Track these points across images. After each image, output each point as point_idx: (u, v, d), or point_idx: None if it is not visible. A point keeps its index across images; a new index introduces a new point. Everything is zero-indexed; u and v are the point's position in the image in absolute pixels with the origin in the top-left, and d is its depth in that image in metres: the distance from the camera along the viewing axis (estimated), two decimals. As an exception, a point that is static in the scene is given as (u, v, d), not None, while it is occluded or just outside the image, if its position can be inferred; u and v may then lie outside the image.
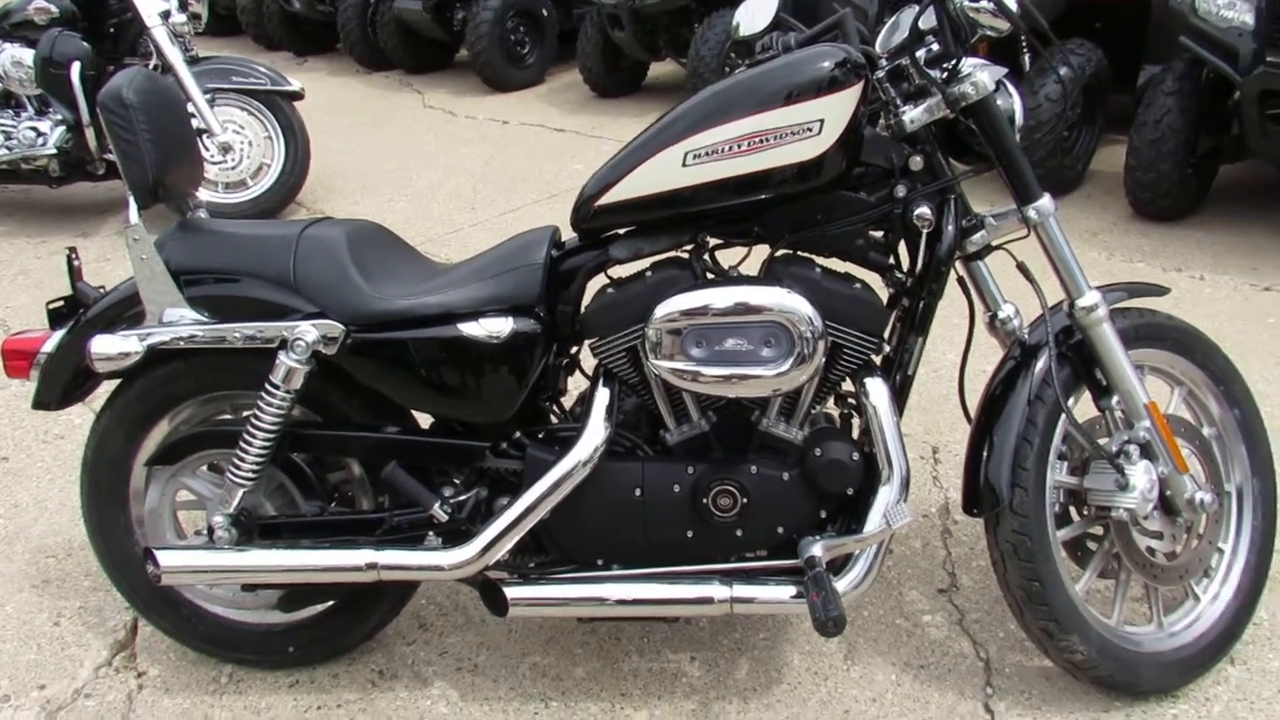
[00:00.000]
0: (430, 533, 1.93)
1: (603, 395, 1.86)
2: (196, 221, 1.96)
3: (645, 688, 2.09)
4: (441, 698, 2.09)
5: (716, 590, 1.85)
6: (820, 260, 1.85)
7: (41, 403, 2.00)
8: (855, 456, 1.84)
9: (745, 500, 1.84)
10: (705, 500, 1.84)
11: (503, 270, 1.87)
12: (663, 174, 1.75)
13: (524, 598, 1.88)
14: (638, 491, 1.86)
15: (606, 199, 1.79)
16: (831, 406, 2.05)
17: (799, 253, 1.85)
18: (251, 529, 1.98)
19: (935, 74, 1.77)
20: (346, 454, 2.00)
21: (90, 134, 4.70)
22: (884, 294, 1.90)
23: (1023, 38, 1.83)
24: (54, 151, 4.72)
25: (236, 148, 4.84)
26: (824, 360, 1.76)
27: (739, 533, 1.86)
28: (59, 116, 4.72)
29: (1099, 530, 2.01)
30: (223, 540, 1.96)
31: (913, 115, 1.78)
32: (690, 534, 1.87)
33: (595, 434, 1.83)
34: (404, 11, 7.73)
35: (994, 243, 1.90)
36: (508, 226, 4.79)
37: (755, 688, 2.08)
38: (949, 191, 1.83)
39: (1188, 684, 2.02)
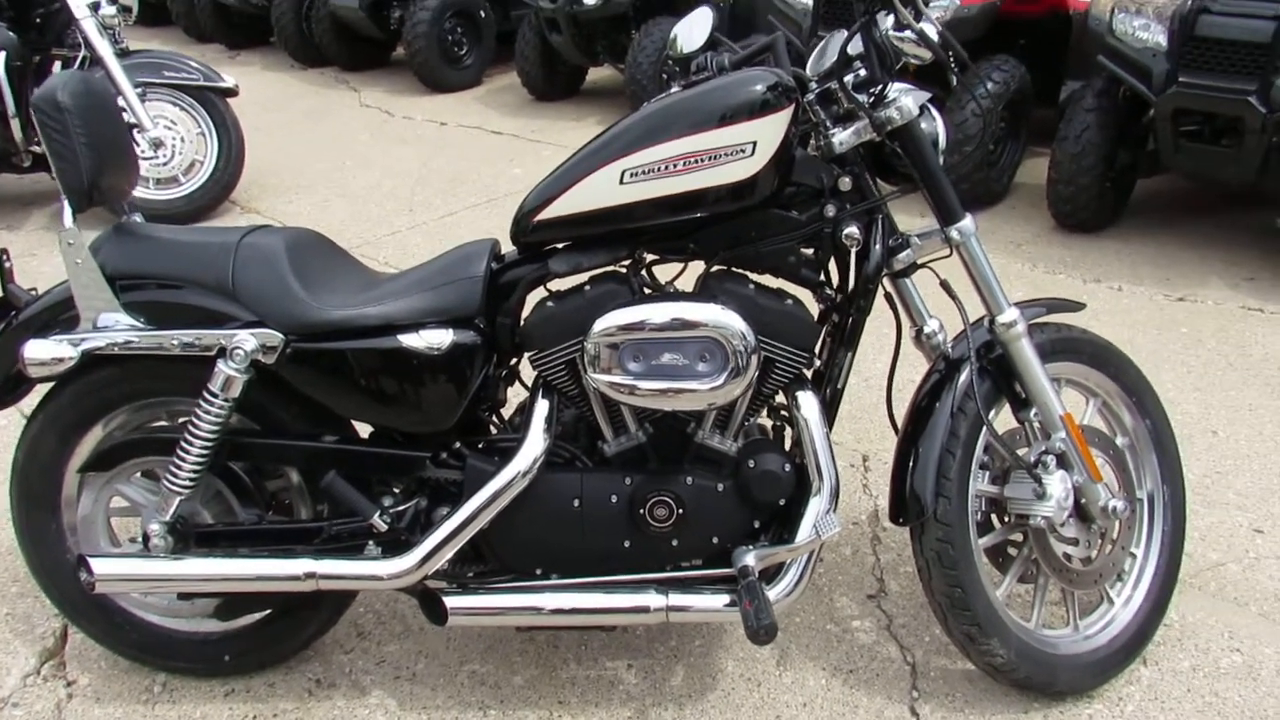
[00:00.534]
0: (369, 542, 1.94)
1: (542, 407, 1.89)
2: (132, 226, 1.95)
3: (583, 695, 2.13)
4: (379, 706, 2.11)
5: (653, 599, 1.90)
6: (754, 277, 1.90)
7: (-32, 406, 1.97)
8: (787, 467, 1.90)
9: (681, 511, 1.88)
10: (642, 510, 1.88)
11: (443, 282, 1.89)
12: (601, 191, 1.79)
13: (463, 607, 1.90)
14: (576, 502, 1.89)
15: (546, 214, 1.83)
16: (764, 418, 2.10)
17: (733, 269, 1.90)
18: (188, 537, 1.97)
19: (863, 98, 1.83)
20: (285, 463, 2.00)
21: (15, 125, 4.60)
22: (815, 309, 1.96)
23: (949, 58, 1.90)
24: (-24, 143, 4.61)
25: (168, 144, 4.78)
26: (757, 374, 1.82)
27: (675, 542, 1.91)
28: (-18, 108, 4.60)
29: (1018, 537, 2.10)
30: (158, 548, 1.95)
31: (841, 138, 1.84)
32: (627, 544, 1.91)
33: (534, 445, 1.86)
34: (339, 8, 7.65)
35: (919, 260, 1.97)
36: (446, 230, 4.79)
37: (690, 694, 2.13)
38: (876, 211, 1.90)
39: (1102, 685, 2.11)
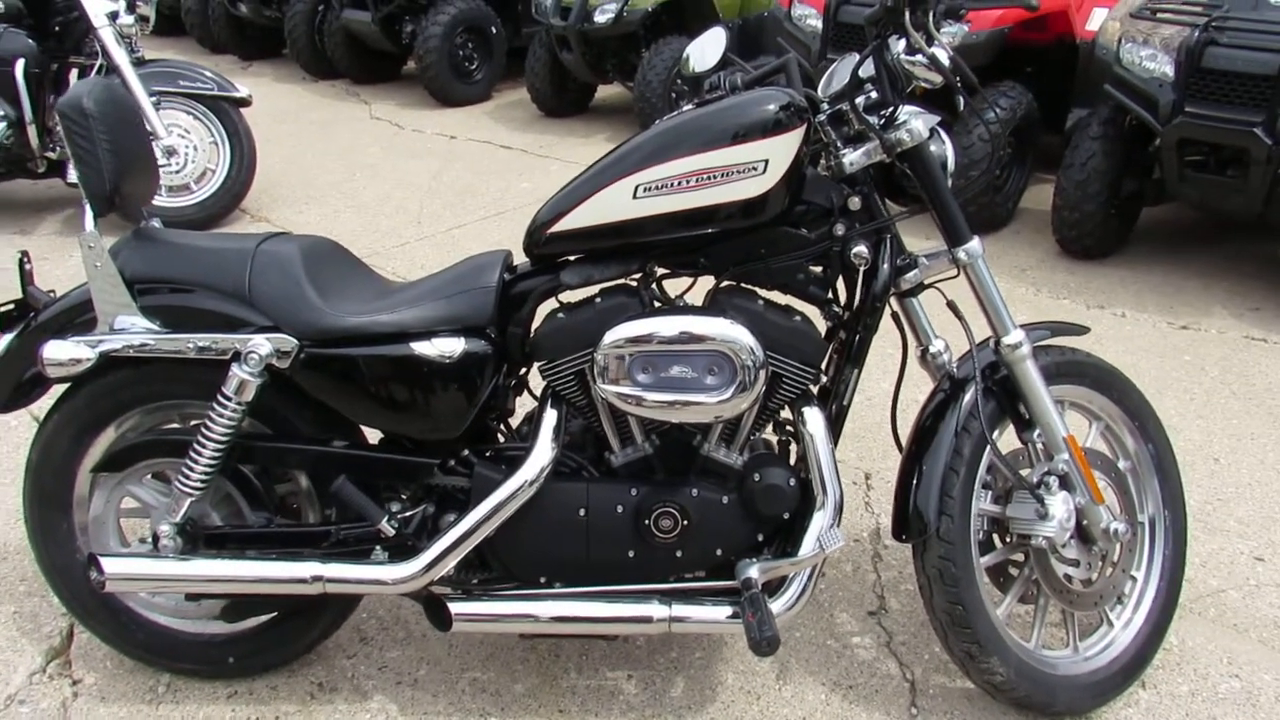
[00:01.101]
0: (376, 547, 1.96)
1: (550, 416, 1.91)
2: (151, 231, 1.98)
3: (583, 704, 2.14)
4: (381, 712, 2.12)
5: (655, 609, 1.92)
6: (762, 293, 1.93)
7: (-12, 405, 1.99)
8: (792, 482, 1.92)
9: (685, 522, 1.90)
10: (647, 521, 1.90)
11: (456, 291, 1.92)
12: (614, 205, 1.82)
13: (468, 613, 1.92)
14: (582, 511, 1.91)
15: (559, 226, 1.85)
16: (770, 433, 2.12)
17: (742, 285, 1.93)
18: (197, 538, 1.99)
19: (873, 120, 1.86)
20: (295, 467, 2.03)
21: (32, 131, 4.65)
22: (822, 326, 1.98)
23: (959, 82, 1.93)
24: (-6, 148, 4.66)
25: (181, 152, 4.82)
26: (764, 389, 1.84)
27: (679, 554, 1.93)
28: (1, 113, 4.64)
29: (1020, 557, 2.11)
30: (168, 549, 1.97)
31: (852, 158, 1.87)
32: (632, 554, 1.93)
33: (542, 454, 1.88)
34: (352, 22, 7.72)
35: (926, 281, 1.99)
36: (454, 242, 4.83)
37: (690, 706, 2.14)
38: (885, 231, 1.92)
39: (1100, 706, 2.12)
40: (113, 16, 4.53)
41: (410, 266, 4.52)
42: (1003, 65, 4.81)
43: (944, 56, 1.80)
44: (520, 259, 1.99)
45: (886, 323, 1.98)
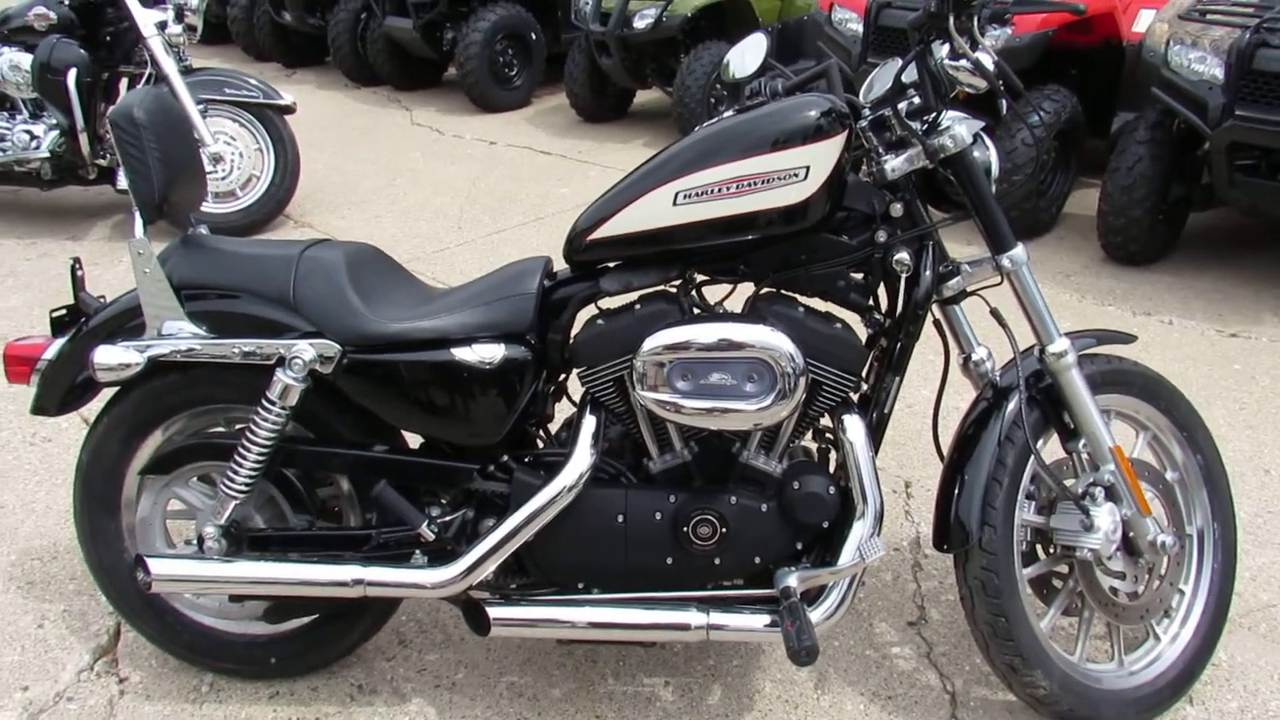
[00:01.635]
0: (416, 551, 1.98)
1: (589, 423, 1.92)
2: (199, 238, 2.01)
3: (620, 710, 2.14)
4: (420, 714, 2.13)
5: (693, 617, 1.91)
6: (803, 300, 1.92)
7: (41, 408, 2.03)
8: (832, 490, 1.90)
9: (724, 530, 1.89)
10: (685, 529, 1.89)
11: (496, 298, 1.93)
12: (654, 212, 1.82)
13: (506, 618, 1.93)
14: (620, 518, 1.91)
15: (599, 233, 1.86)
16: (809, 441, 2.11)
17: (783, 292, 1.92)
18: (241, 540, 2.02)
19: (916, 125, 1.84)
20: (337, 471, 2.05)
21: (84, 139, 4.74)
22: (863, 334, 1.97)
23: (1003, 87, 1.91)
24: (47, 155, 4.76)
25: (227, 159, 4.90)
26: (804, 396, 1.83)
27: (717, 561, 1.92)
28: (53, 121, 4.75)
29: (1064, 569, 2.08)
30: (213, 550, 2.00)
31: (894, 164, 1.86)
32: (670, 561, 1.93)
33: (581, 460, 1.88)
34: (394, 29, 7.80)
35: (969, 288, 1.97)
36: (494, 248, 4.85)
37: (727, 714, 2.13)
38: (927, 238, 1.91)
39: (1146, 721, 2.08)
40: (161, 26, 4.63)
41: (450, 271, 4.55)
42: (1047, 68, 4.76)
43: (989, 61, 1.78)
44: (560, 265, 2.00)
45: (927, 329, 1.96)
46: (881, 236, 1.88)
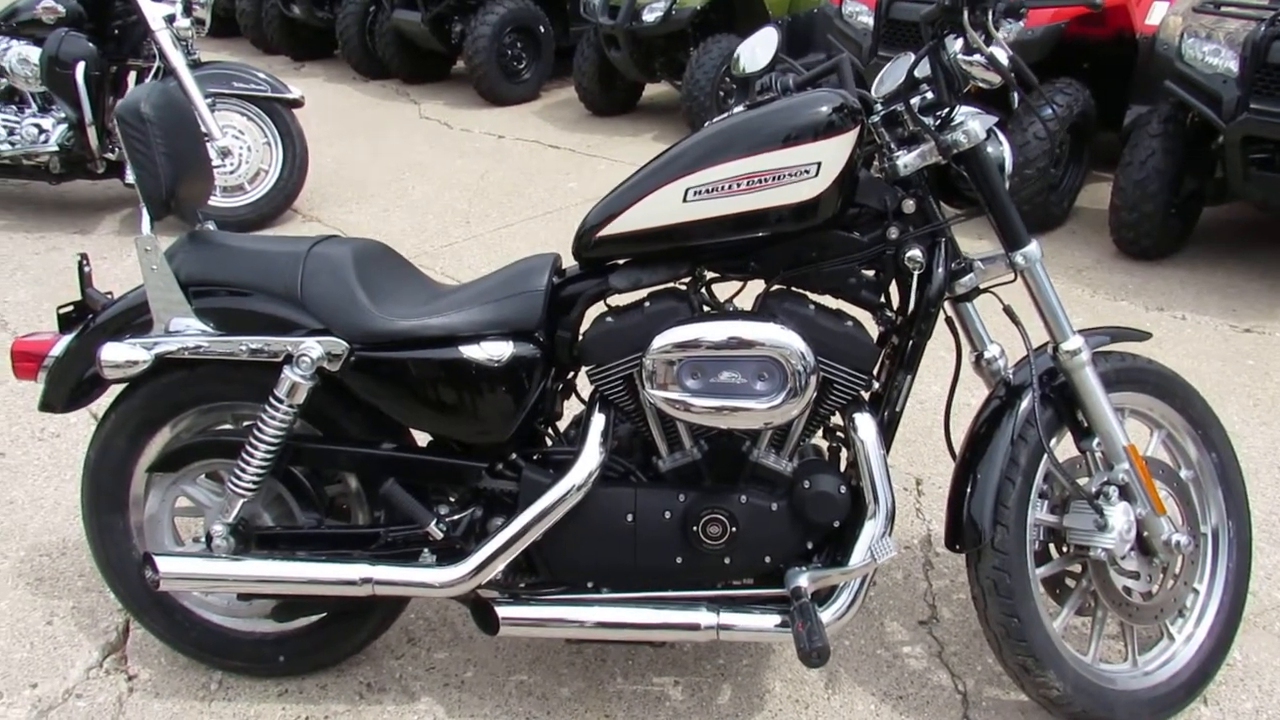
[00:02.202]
0: (425, 550, 1.97)
1: (598, 421, 1.90)
2: (206, 234, 2.00)
3: (629, 710, 2.13)
4: (428, 713, 2.13)
5: (703, 617, 1.90)
6: (813, 297, 1.90)
7: (48, 405, 2.03)
8: (843, 489, 1.89)
9: (734, 529, 1.88)
10: (695, 528, 1.88)
11: (505, 295, 1.92)
12: (663, 208, 1.80)
13: (515, 617, 1.92)
14: (629, 517, 1.90)
15: (608, 230, 1.84)
16: (820, 439, 2.10)
17: (793, 289, 1.90)
18: (249, 538, 2.01)
19: (929, 121, 1.82)
20: (345, 469, 2.04)
21: (92, 133, 4.74)
22: (874, 332, 1.95)
23: (1017, 81, 1.89)
24: (56, 149, 4.76)
25: (235, 153, 4.89)
26: (815, 395, 1.81)
27: (727, 560, 1.91)
28: (62, 114, 4.75)
29: (1077, 568, 2.07)
30: (221, 548, 1.99)
31: (906, 160, 1.84)
32: (679, 560, 1.91)
33: (590, 459, 1.87)
34: (403, 22, 7.78)
35: (982, 285, 1.95)
36: (502, 242, 4.84)
37: (737, 714, 2.12)
38: (940, 234, 1.89)
39: (1159, 721, 2.07)
40: (169, 20, 4.61)
41: (458, 266, 4.54)
42: (1059, 61, 4.71)
43: (1003, 56, 1.76)
44: (569, 262, 1.98)
45: (939, 326, 1.94)
46: (893, 233, 1.86)
